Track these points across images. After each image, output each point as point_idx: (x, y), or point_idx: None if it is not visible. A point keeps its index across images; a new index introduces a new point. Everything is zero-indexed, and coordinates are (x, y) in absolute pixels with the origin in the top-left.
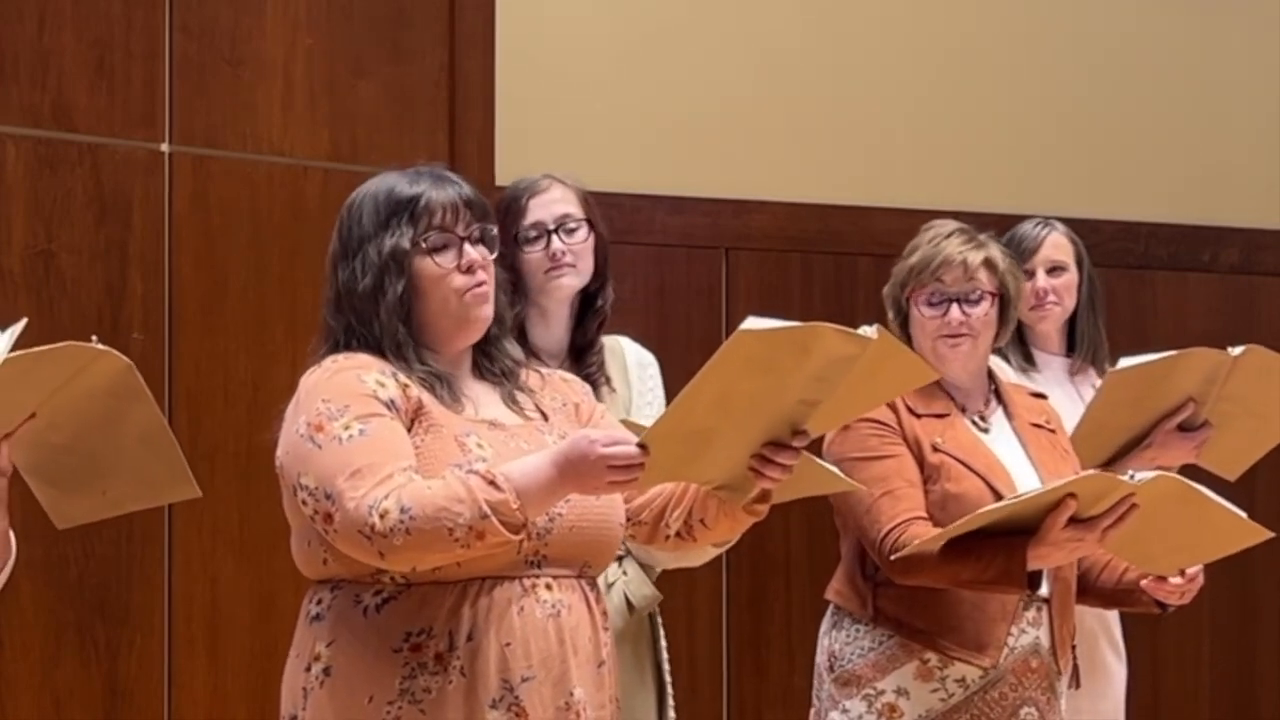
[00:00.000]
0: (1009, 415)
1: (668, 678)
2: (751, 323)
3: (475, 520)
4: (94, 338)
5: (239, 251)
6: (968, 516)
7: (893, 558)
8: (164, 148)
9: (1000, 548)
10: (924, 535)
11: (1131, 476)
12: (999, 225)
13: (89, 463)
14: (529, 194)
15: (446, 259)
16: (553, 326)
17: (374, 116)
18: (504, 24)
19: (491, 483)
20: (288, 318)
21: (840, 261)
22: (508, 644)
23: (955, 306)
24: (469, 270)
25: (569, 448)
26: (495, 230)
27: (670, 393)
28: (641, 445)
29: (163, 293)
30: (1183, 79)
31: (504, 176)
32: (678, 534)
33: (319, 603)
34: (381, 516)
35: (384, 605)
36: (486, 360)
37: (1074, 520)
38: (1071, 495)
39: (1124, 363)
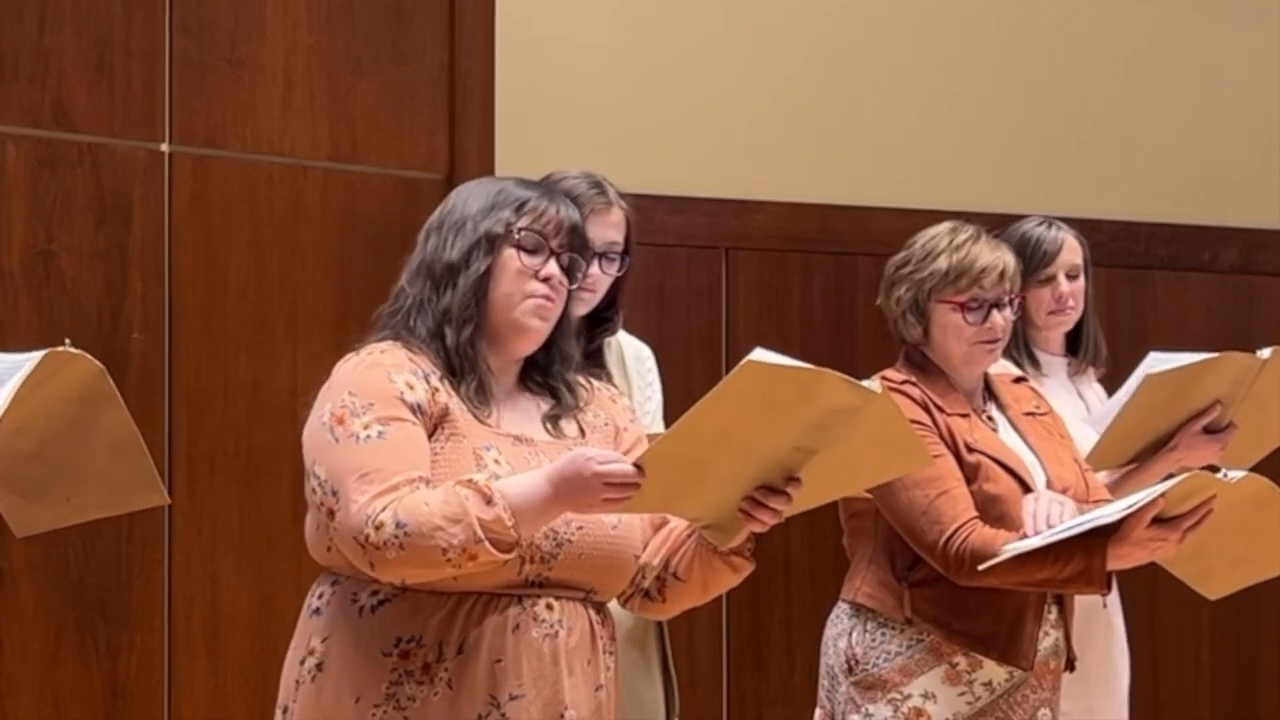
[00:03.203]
0: (1001, 407)
1: (674, 675)
2: (760, 354)
3: (469, 543)
4: (67, 340)
5: (239, 251)
6: (1069, 522)
7: (987, 564)
8: (164, 148)
9: (1079, 547)
10: (993, 538)
11: (1224, 475)
12: (999, 225)
13: (56, 470)
14: (590, 209)
15: (532, 260)
16: None
17: (374, 116)
18: (504, 24)
19: (488, 499)
20: (288, 318)
21: (840, 261)
22: (498, 661)
23: (996, 312)
24: (545, 280)
25: (565, 465)
26: (584, 265)
27: (669, 398)
28: (638, 465)
29: (163, 293)
30: (1183, 79)
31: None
32: (646, 593)
33: (320, 596)
34: (377, 528)
35: (379, 607)
36: (537, 374)
37: (1156, 520)
38: (1160, 495)
39: (1159, 366)
